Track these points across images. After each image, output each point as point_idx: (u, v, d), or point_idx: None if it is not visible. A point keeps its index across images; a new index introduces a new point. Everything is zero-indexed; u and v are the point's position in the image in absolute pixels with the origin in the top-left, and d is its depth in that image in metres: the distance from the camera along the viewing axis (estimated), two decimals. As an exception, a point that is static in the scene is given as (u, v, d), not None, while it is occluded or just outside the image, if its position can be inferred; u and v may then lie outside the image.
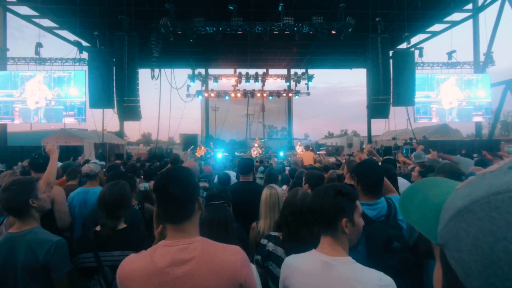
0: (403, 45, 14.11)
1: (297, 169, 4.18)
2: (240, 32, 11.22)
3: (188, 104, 18.43)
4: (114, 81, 11.38)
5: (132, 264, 1.06)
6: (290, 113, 20.77)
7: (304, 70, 18.07)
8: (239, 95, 18.29)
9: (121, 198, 1.82)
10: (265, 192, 2.16)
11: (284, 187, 3.71)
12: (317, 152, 13.57)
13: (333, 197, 1.22)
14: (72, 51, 13.22)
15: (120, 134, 18.34)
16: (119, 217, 1.81)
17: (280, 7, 10.24)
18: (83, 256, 1.70)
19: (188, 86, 18.01)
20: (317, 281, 1.14)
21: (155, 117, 15.34)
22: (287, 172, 5.18)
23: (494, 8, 12.94)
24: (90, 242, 1.71)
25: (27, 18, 12.36)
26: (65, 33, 13.61)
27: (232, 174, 4.47)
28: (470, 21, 14.12)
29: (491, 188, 0.36)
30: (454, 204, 0.41)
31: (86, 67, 12.97)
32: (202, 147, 14.36)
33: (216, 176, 4.29)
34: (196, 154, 13.72)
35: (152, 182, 3.18)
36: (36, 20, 12.48)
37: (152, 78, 14.70)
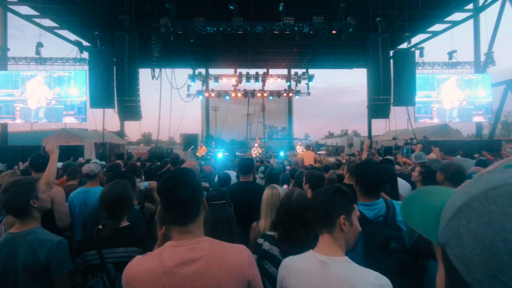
0: (404, 45, 14.09)
1: (297, 169, 4.18)
2: (241, 32, 11.22)
3: (189, 104, 18.46)
4: (115, 81, 11.39)
5: (140, 265, 1.06)
6: (290, 113, 20.76)
7: (304, 70, 18.07)
8: (239, 95, 18.29)
9: (121, 198, 1.82)
10: (267, 192, 2.17)
11: (285, 186, 3.71)
12: (318, 152, 13.56)
13: (332, 194, 1.25)
14: (72, 51, 13.25)
15: (121, 134, 18.35)
16: (120, 217, 1.81)
17: (280, 7, 10.23)
18: (87, 254, 1.70)
19: (189, 86, 18.03)
20: (314, 280, 1.16)
21: (155, 117, 15.36)
22: (287, 171, 5.18)
23: (495, 8, 12.93)
24: (93, 240, 1.72)
25: (27, 18, 12.37)
26: (65, 33, 13.64)
27: (233, 174, 4.47)
28: (471, 21, 14.10)
29: (488, 184, 0.38)
30: (453, 203, 0.42)
31: (86, 67, 12.98)
32: (204, 147, 14.37)
33: (217, 176, 4.30)
34: (197, 153, 13.73)
35: (152, 182, 3.18)
36: (37, 20, 12.49)
37: (153, 78, 14.71)
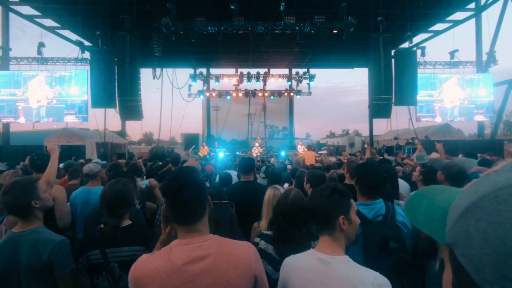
0: (405, 45, 14.04)
1: (298, 169, 4.18)
2: (242, 32, 11.21)
3: (190, 104, 18.48)
4: (116, 80, 11.41)
5: (148, 264, 1.07)
6: (291, 112, 20.75)
7: (305, 70, 18.06)
8: (240, 94, 18.29)
9: (122, 196, 1.82)
10: (269, 192, 2.18)
11: (286, 185, 3.70)
12: (319, 152, 13.55)
13: (328, 195, 1.25)
14: (74, 51, 13.27)
15: (122, 133, 18.38)
16: (121, 215, 1.81)
17: (281, 6, 10.22)
18: (91, 253, 1.70)
19: (190, 85, 18.05)
20: (315, 277, 1.17)
21: (156, 116, 15.38)
22: (288, 171, 5.18)
23: (497, 7, 12.87)
24: (96, 240, 1.72)
25: (29, 18, 12.40)
26: (67, 33, 13.66)
27: (234, 174, 4.47)
28: (473, 20, 14.04)
29: (497, 184, 0.37)
30: (461, 203, 0.42)
31: (88, 67, 13.01)
32: (206, 147, 14.39)
33: (218, 176, 4.30)
34: (200, 153, 13.75)
35: (151, 179, 3.18)
36: (39, 20, 12.52)
37: (154, 77, 14.72)
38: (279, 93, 18.80)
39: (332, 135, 60.21)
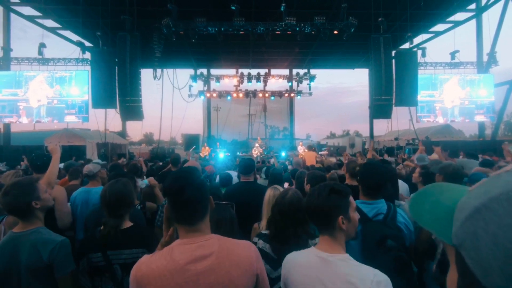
0: (406, 45, 14.06)
1: (298, 169, 4.17)
2: (242, 32, 11.23)
3: (190, 104, 18.48)
4: (117, 81, 11.44)
5: (150, 264, 1.07)
6: (292, 113, 20.75)
7: (306, 70, 18.06)
8: (241, 95, 18.29)
9: (121, 196, 1.80)
10: (269, 193, 2.18)
11: (286, 184, 3.70)
12: (319, 153, 13.54)
13: (327, 196, 1.25)
14: (75, 51, 13.31)
15: (122, 134, 18.39)
16: (121, 216, 1.79)
17: (282, 7, 10.23)
18: (92, 256, 1.70)
19: (190, 86, 18.05)
20: (314, 274, 1.18)
21: (157, 117, 15.41)
22: (289, 171, 5.17)
23: (498, 8, 12.87)
24: (97, 241, 1.71)
25: (30, 18, 12.44)
26: (68, 33, 13.71)
27: (234, 174, 4.47)
28: (473, 21, 14.04)
29: (509, 185, 0.36)
30: (469, 203, 0.41)
31: (88, 67, 13.04)
32: (207, 147, 14.40)
33: (218, 176, 4.30)
34: (201, 154, 13.76)
35: (150, 178, 3.18)
36: (40, 21, 12.56)
37: (154, 78, 14.72)
38: (279, 94, 18.80)
39: (332, 135, 60.23)
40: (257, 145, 15.03)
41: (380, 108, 11.98)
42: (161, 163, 7.80)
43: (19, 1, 12.21)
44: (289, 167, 6.59)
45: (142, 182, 3.12)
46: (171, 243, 1.14)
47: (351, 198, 1.30)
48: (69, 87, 13.47)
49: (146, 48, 12.18)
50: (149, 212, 2.96)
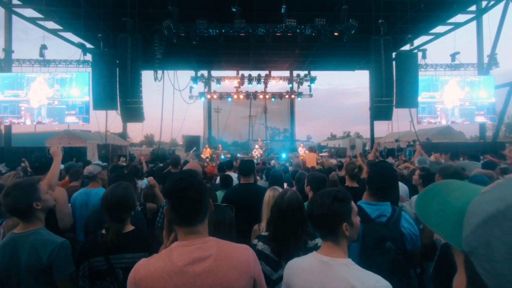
0: (406, 47, 14.07)
1: (298, 171, 4.17)
2: (243, 34, 11.24)
3: (191, 106, 18.47)
4: (118, 82, 11.46)
5: (148, 266, 1.07)
6: (292, 114, 20.75)
7: (306, 72, 18.06)
8: (241, 96, 18.30)
9: (123, 200, 1.79)
10: (268, 194, 2.18)
11: (285, 185, 3.70)
12: (320, 154, 13.53)
13: (330, 204, 1.25)
14: (76, 53, 13.38)
15: (123, 135, 18.42)
16: (123, 220, 1.78)
17: (282, 9, 10.25)
18: (94, 260, 1.68)
19: (191, 87, 18.06)
20: (316, 278, 1.18)
21: (158, 118, 15.40)
22: (289, 173, 5.17)
23: (498, 9, 12.88)
24: (98, 246, 1.69)
25: (32, 20, 12.49)
26: (69, 35, 13.76)
27: (234, 176, 4.47)
28: (474, 23, 14.05)
29: None
30: (482, 208, 0.38)
31: (89, 69, 13.08)
32: (208, 149, 14.40)
33: (218, 178, 4.30)
34: (202, 155, 13.76)
35: (149, 178, 3.18)
36: (41, 23, 12.62)
37: (155, 79, 14.75)
38: (280, 95, 18.80)
39: (333, 137, 60.13)
40: (257, 146, 15.02)
41: (380, 109, 11.98)
42: (161, 165, 7.80)
43: (20, 3, 12.27)
44: (290, 168, 6.59)
45: (142, 183, 3.12)
46: None
47: (352, 203, 1.31)
48: (69, 88, 13.54)
49: (147, 50, 12.21)
50: (150, 213, 2.95)
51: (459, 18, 13.45)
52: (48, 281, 1.62)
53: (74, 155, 10.70)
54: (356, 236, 1.30)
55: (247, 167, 3.11)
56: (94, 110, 12.61)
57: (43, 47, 13.05)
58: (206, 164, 8.62)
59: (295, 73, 18.68)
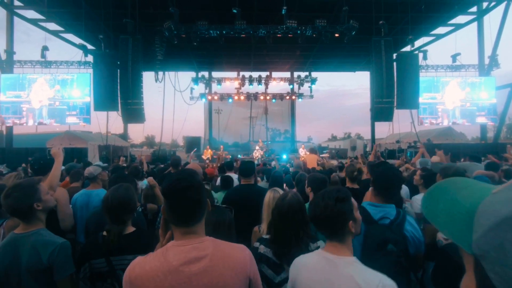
0: (407, 48, 14.05)
1: (299, 172, 4.17)
2: (244, 35, 11.26)
3: (192, 107, 18.49)
4: (119, 83, 11.48)
5: (144, 265, 1.07)
6: (293, 115, 20.75)
7: (307, 73, 18.07)
8: (242, 97, 18.31)
9: (124, 201, 1.78)
10: (268, 195, 2.17)
11: (284, 186, 3.70)
12: (320, 155, 13.52)
13: (333, 206, 1.25)
14: (77, 54, 13.41)
15: (124, 136, 18.47)
16: (124, 222, 1.78)
17: (283, 10, 10.26)
18: (95, 262, 1.67)
19: (192, 88, 18.09)
20: (321, 276, 1.19)
21: (158, 119, 15.42)
22: (290, 174, 5.16)
23: (499, 10, 12.87)
24: (100, 247, 1.69)
25: (33, 21, 12.54)
26: (70, 36, 13.79)
27: (235, 177, 4.46)
28: (475, 24, 14.04)
29: None
30: (495, 209, 0.36)
31: (91, 70, 13.13)
32: (210, 150, 14.41)
33: (219, 178, 4.29)
34: (203, 156, 13.76)
35: (149, 178, 3.18)
36: (43, 24, 12.67)
37: (156, 81, 14.79)
38: (280, 96, 18.81)
39: (334, 138, 60.08)
40: (258, 147, 15.03)
41: (381, 110, 11.96)
42: (162, 165, 7.81)
43: (22, 5, 12.33)
44: (291, 169, 6.58)
45: (142, 183, 3.12)
46: None
47: (352, 200, 1.31)
48: (70, 89, 13.60)
49: (148, 51, 12.24)
50: (150, 213, 2.95)
51: (460, 19, 13.45)
52: (48, 282, 1.62)
53: (75, 156, 10.72)
54: (359, 230, 1.31)
55: (247, 168, 3.11)
56: (95, 111, 12.65)
57: (45, 48, 13.09)
58: (206, 165, 8.62)
59: (295, 74, 18.69)
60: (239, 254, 1.14)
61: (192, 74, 17.87)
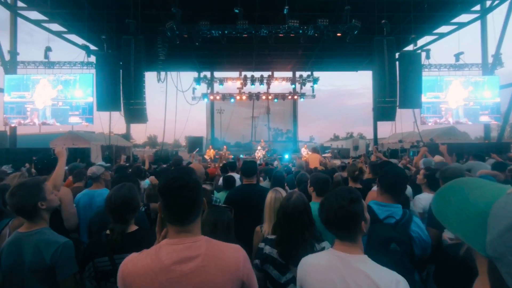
0: (410, 47, 14.01)
1: (301, 171, 4.16)
2: (246, 35, 11.26)
3: (194, 107, 18.56)
4: (121, 84, 11.52)
5: (136, 262, 1.07)
6: (295, 115, 20.73)
7: (309, 73, 18.05)
8: (244, 97, 18.33)
9: (127, 201, 1.78)
10: (270, 195, 2.16)
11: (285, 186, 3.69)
12: (323, 155, 13.50)
13: (349, 207, 1.24)
14: (80, 55, 13.48)
15: (127, 136, 18.51)
16: (127, 221, 1.78)
17: (285, 10, 10.25)
18: (98, 261, 1.68)
19: (194, 89, 18.13)
20: (334, 274, 1.18)
21: (161, 119, 15.48)
22: (293, 173, 5.16)
23: (503, 9, 12.78)
24: (103, 246, 1.69)
25: (36, 22, 12.61)
26: (73, 37, 13.87)
27: (237, 177, 4.46)
28: (478, 23, 13.95)
29: None
30: (511, 210, 0.35)
31: (93, 70, 13.19)
32: (212, 150, 14.43)
33: (221, 178, 4.29)
34: (206, 156, 13.78)
35: (151, 177, 3.19)
36: (46, 25, 12.74)
37: (158, 81, 14.85)
38: (282, 96, 18.80)
39: (336, 138, 59.92)
40: (260, 147, 15.02)
41: (384, 110, 11.91)
42: (164, 165, 7.83)
43: (25, 6, 12.41)
44: (293, 169, 6.57)
45: (144, 183, 3.13)
46: None
47: (361, 200, 1.32)
48: (73, 89, 13.71)
49: (150, 51, 12.27)
50: (154, 213, 2.96)
51: (463, 18, 13.36)
52: (51, 281, 1.62)
53: (78, 156, 10.76)
54: (366, 229, 1.31)
55: (249, 168, 3.11)
56: (97, 111, 12.71)
57: (48, 49, 13.17)
58: (209, 165, 8.64)
59: (297, 74, 18.69)
60: (232, 255, 1.12)
61: (194, 74, 17.92)
